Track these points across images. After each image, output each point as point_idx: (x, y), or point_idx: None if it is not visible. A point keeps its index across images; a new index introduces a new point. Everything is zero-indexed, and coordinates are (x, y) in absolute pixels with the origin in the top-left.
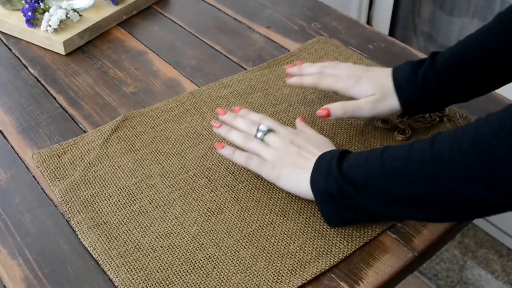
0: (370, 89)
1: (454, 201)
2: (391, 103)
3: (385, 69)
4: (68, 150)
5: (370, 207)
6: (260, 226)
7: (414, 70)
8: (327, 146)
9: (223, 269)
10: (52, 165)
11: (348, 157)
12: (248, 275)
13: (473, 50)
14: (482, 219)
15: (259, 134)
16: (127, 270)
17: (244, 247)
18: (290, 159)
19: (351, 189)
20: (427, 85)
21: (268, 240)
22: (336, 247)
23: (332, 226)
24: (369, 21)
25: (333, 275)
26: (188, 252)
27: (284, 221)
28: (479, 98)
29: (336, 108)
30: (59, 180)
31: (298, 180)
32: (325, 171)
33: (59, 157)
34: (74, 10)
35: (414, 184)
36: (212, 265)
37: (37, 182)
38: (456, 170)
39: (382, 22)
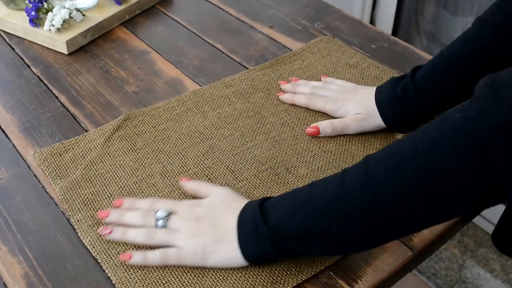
0: (356, 110)
1: (404, 222)
2: (376, 121)
3: (371, 88)
4: (70, 148)
5: (306, 251)
6: None
7: (394, 87)
8: (235, 202)
9: (219, 269)
10: (54, 164)
11: (271, 207)
12: (244, 275)
13: (451, 62)
14: (482, 218)
15: (160, 223)
16: (125, 269)
17: None
18: (208, 238)
19: (288, 243)
20: (407, 101)
21: None
22: None
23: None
24: (372, 21)
25: (331, 273)
26: None
27: None
28: None
29: (325, 126)
30: (60, 179)
31: (228, 255)
32: (254, 234)
33: (60, 155)
34: (78, 10)
35: (353, 220)
36: None
37: (38, 181)
38: (401, 192)
39: (386, 21)
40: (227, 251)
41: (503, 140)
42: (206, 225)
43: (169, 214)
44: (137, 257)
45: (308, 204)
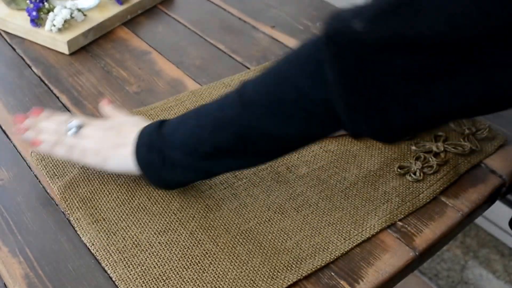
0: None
1: (265, 141)
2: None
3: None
4: None
5: (187, 163)
6: (258, 223)
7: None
8: (145, 122)
9: (219, 264)
10: (51, 163)
11: (168, 123)
12: (244, 271)
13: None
14: (484, 219)
15: (72, 131)
16: (124, 265)
17: (241, 243)
18: (111, 142)
19: (173, 154)
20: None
21: (265, 237)
22: (333, 244)
23: (164, 188)
24: None
25: (333, 274)
26: (185, 248)
27: (282, 218)
28: None
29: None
30: (57, 178)
31: (123, 159)
32: (147, 144)
33: None
34: (79, 10)
35: (225, 129)
36: (208, 260)
37: (39, 181)
38: (263, 109)
39: None
40: (124, 156)
41: (330, 51)
42: (112, 134)
43: (82, 125)
44: (46, 145)
45: (194, 116)
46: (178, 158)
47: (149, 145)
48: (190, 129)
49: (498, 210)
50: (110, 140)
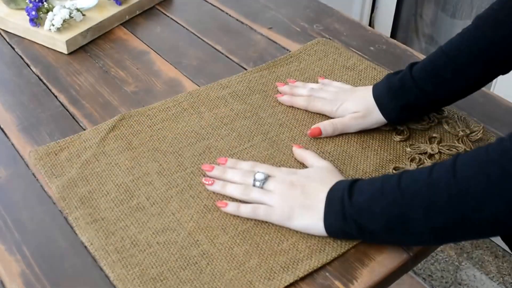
0: (354, 108)
1: (477, 223)
2: (375, 117)
3: (368, 87)
4: (65, 147)
5: (388, 238)
6: (255, 224)
7: (391, 81)
8: (330, 177)
9: (217, 265)
10: (49, 163)
11: (360, 189)
12: (241, 272)
13: (449, 56)
14: None
15: (258, 183)
16: (122, 265)
17: (238, 244)
18: (297, 202)
19: (371, 227)
20: (405, 91)
21: (262, 238)
22: (330, 245)
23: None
24: (371, 23)
25: (327, 274)
26: (183, 248)
27: None
28: (478, 99)
29: (326, 126)
30: (56, 177)
31: (312, 222)
32: (339, 212)
33: (56, 154)
34: (78, 10)
35: (437, 212)
36: (206, 261)
37: (37, 180)
38: (479, 192)
39: (384, 24)
40: (312, 219)
41: None
42: (298, 191)
43: (267, 177)
44: (232, 206)
45: (396, 192)
46: (378, 231)
47: (343, 213)
48: (389, 207)
49: None
50: (297, 200)
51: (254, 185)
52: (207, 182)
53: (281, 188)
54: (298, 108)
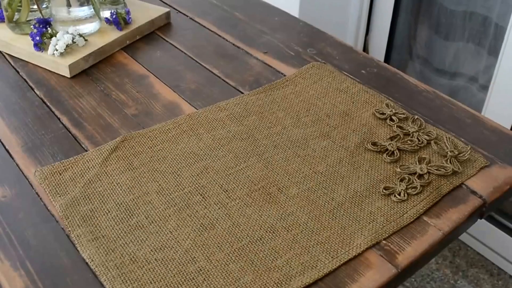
0: None
1: None
2: None
3: None
4: (69, 167)
5: None
6: (250, 241)
7: None
8: None
9: (213, 281)
10: (54, 182)
11: None
12: (237, 287)
13: None
14: (473, 239)
15: None
16: (122, 281)
17: (233, 260)
18: None
19: None
20: None
21: (256, 255)
22: (321, 262)
23: None
24: (365, 46)
25: None
26: (180, 265)
27: (273, 237)
28: (465, 121)
29: None
30: (60, 196)
31: None
32: None
33: (60, 174)
34: (80, 35)
35: None
36: (202, 277)
37: (40, 199)
38: None
39: (379, 46)
40: None
41: None
42: None
43: None
44: None
45: None
46: None
47: None
48: None
49: (487, 230)
50: None
51: None
52: None
53: None
54: (292, 130)
